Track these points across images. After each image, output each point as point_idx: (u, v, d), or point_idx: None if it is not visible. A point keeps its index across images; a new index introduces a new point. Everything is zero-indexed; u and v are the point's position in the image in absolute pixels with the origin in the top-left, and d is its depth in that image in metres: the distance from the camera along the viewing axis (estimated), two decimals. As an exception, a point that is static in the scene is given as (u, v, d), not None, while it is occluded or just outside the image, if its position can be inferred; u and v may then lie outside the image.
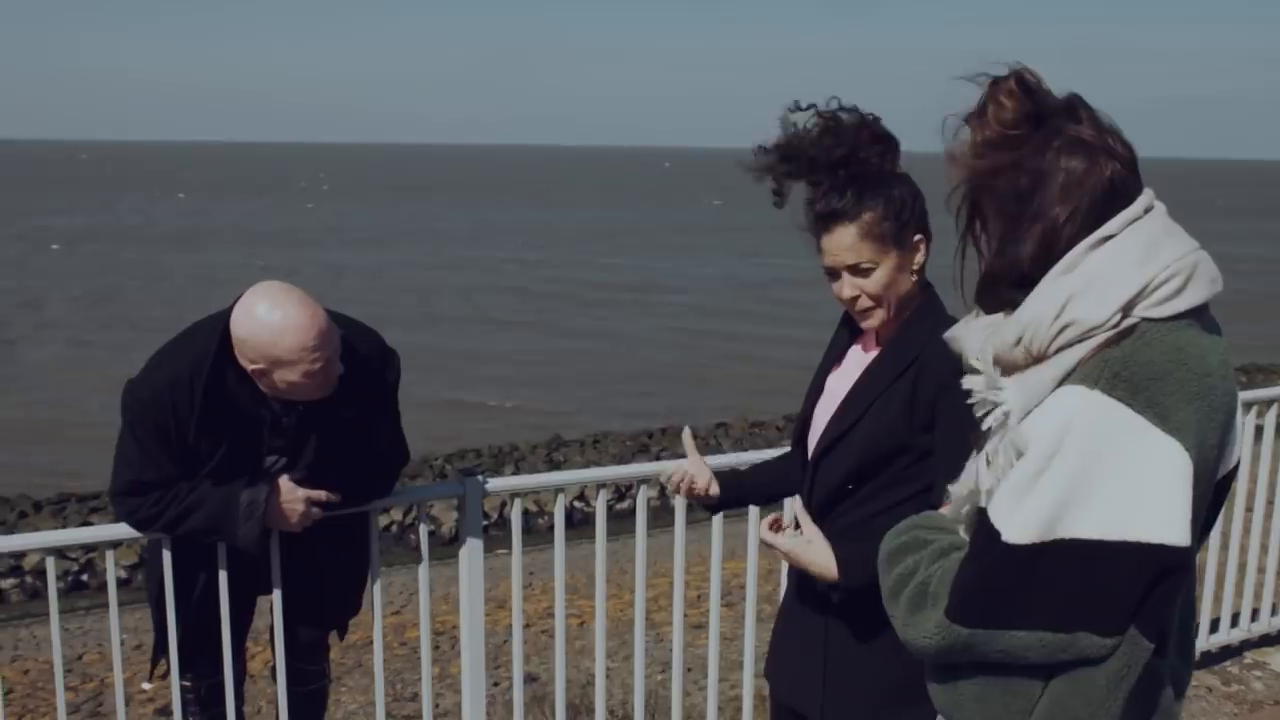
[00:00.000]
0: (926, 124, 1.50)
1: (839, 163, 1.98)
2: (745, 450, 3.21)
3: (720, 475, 2.37)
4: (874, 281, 2.00)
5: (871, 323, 2.05)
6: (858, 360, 2.14)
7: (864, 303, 2.02)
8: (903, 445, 2.00)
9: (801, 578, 2.21)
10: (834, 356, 2.20)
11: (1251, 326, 18.88)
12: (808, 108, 1.99)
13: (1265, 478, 4.04)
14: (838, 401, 2.10)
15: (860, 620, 2.06)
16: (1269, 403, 3.98)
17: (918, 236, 2.02)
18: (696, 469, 2.33)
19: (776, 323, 23.42)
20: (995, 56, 1.44)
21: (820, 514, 2.09)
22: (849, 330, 2.18)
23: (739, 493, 2.42)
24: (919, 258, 2.03)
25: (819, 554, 1.99)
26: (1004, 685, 1.41)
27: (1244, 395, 3.94)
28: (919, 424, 1.98)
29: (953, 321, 2.01)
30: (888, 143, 2.02)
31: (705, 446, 13.06)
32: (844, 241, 1.98)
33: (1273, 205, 76.20)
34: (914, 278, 2.04)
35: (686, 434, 2.40)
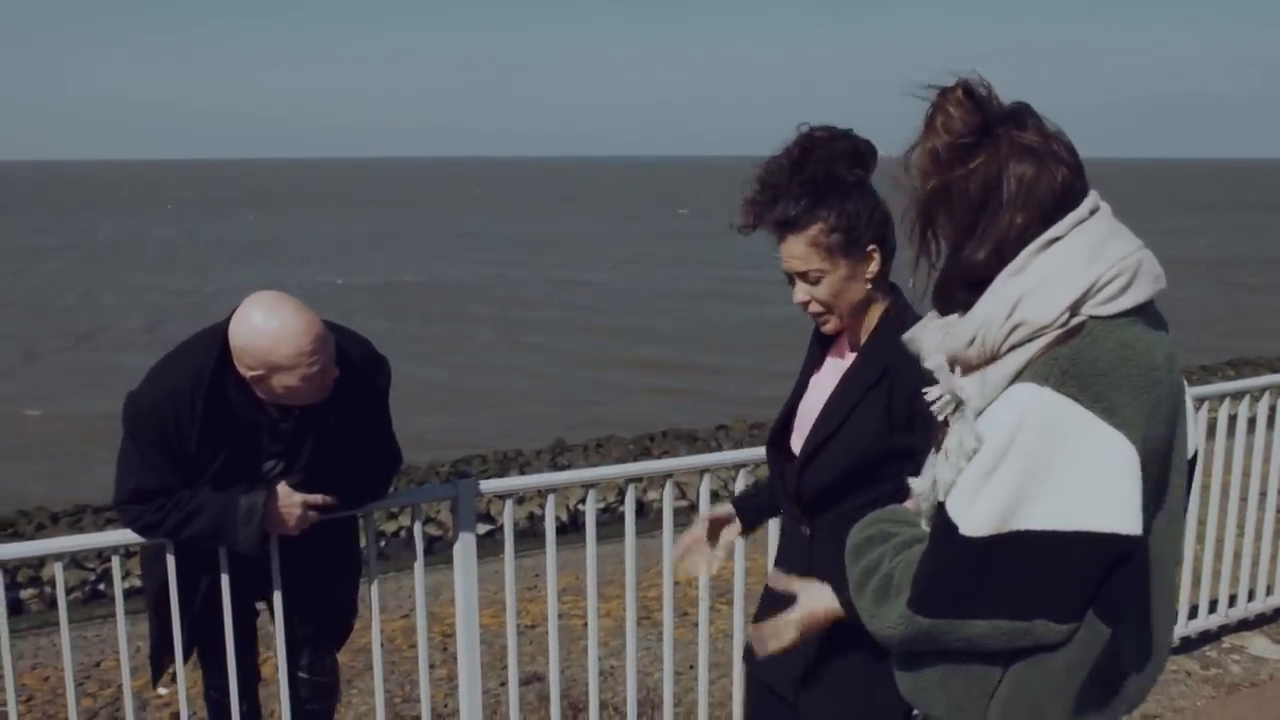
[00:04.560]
0: (901, 130, 1.56)
1: (808, 179, 2.03)
2: (740, 450, 3.31)
3: (740, 506, 2.48)
4: (822, 289, 2.07)
5: (827, 328, 2.14)
6: (834, 367, 2.20)
7: (815, 308, 2.10)
8: (887, 449, 2.06)
9: (786, 569, 2.27)
10: (812, 362, 2.27)
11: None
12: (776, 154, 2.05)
13: (1239, 466, 4.15)
14: (818, 407, 2.16)
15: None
16: (1243, 392, 4.08)
17: (871, 247, 2.06)
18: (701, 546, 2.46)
19: (771, 328, 23.55)
20: (987, 59, 1.48)
21: (809, 512, 2.17)
22: (823, 336, 2.24)
23: (758, 514, 2.51)
24: (872, 268, 2.07)
25: (823, 599, 2.00)
26: (966, 671, 1.48)
27: (1230, 386, 4.06)
28: (899, 426, 2.04)
29: None
30: (859, 154, 2.05)
31: (706, 447, 13.18)
32: (794, 250, 2.06)
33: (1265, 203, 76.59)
34: (867, 286, 2.09)
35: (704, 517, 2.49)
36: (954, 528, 1.41)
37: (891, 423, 2.06)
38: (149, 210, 74.44)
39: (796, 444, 2.22)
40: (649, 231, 54.20)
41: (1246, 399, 4.09)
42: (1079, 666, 1.43)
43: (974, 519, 1.39)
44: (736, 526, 2.48)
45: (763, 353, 20.12)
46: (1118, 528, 1.36)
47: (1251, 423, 4.12)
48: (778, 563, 2.36)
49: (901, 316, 2.10)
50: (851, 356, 2.16)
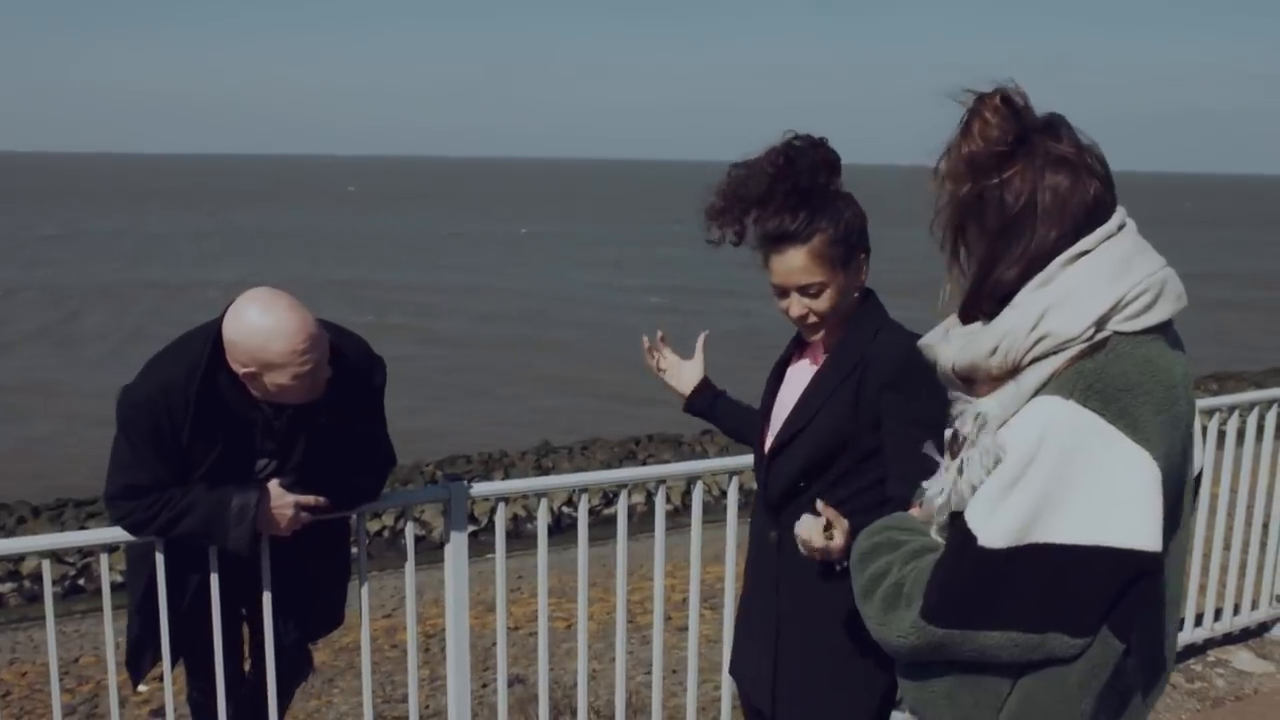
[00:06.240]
0: (913, 137, 1.50)
1: (794, 189, 2.03)
2: (729, 456, 3.32)
3: (715, 390, 2.58)
4: (823, 301, 2.07)
5: (816, 336, 2.15)
6: (807, 366, 2.22)
7: (811, 319, 2.10)
8: (847, 443, 2.07)
9: (755, 577, 2.31)
10: (786, 362, 2.30)
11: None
12: (748, 160, 2.05)
13: (1226, 480, 4.18)
14: (789, 405, 2.18)
15: (811, 620, 2.15)
16: (1233, 408, 4.10)
17: (862, 255, 2.10)
18: (686, 366, 2.60)
19: (757, 332, 23.59)
20: (985, 69, 1.43)
21: (776, 506, 2.19)
22: (798, 336, 2.25)
23: (719, 408, 2.57)
24: (863, 273, 2.11)
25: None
26: (975, 683, 1.45)
27: (1216, 401, 4.08)
28: (865, 423, 2.06)
29: (895, 324, 2.10)
30: (834, 163, 2.08)
31: (691, 452, 13.19)
32: (795, 264, 2.05)
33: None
34: (857, 293, 2.12)
35: (701, 339, 2.61)
36: (972, 538, 1.39)
37: (858, 417, 2.06)
38: (124, 204, 74.12)
39: (768, 444, 2.23)
40: (625, 236, 54.36)
41: (1235, 414, 4.10)
42: (1090, 681, 1.42)
43: (993, 530, 1.37)
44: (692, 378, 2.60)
45: (740, 359, 20.15)
46: (1138, 544, 1.35)
47: (1240, 435, 4.14)
48: (748, 569, 2.37)
49: (876, 316, 2.14)
50: (823, 356, 2.18)
